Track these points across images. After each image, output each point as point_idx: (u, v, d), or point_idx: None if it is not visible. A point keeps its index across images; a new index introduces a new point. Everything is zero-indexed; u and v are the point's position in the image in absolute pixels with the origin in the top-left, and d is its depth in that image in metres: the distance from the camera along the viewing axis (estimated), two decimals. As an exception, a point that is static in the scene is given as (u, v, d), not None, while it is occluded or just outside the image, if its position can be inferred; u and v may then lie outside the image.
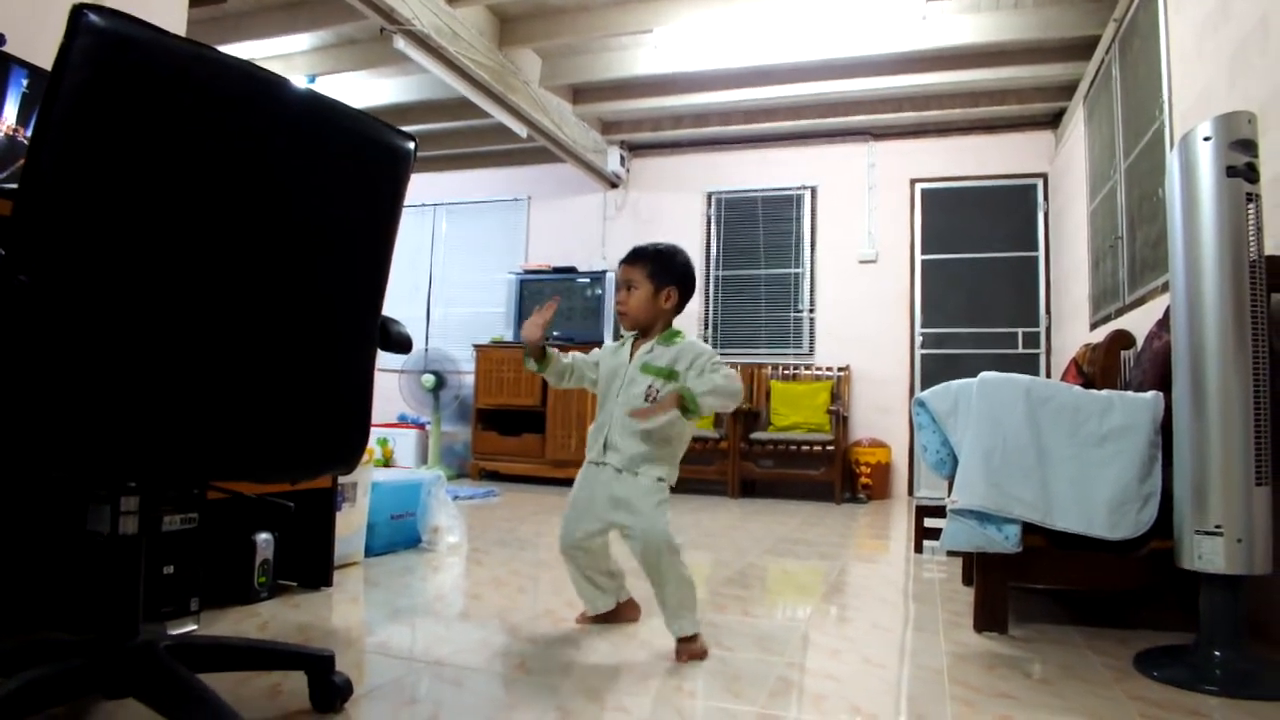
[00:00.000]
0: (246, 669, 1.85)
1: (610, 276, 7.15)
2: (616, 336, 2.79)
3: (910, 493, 6.89)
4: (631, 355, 2.37)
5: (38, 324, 1.13)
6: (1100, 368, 3.52)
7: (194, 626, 2.23)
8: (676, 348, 2.31)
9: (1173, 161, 2.27)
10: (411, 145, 1.61)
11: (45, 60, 1.25)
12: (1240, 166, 2.10)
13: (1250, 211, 2.10)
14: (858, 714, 1.80)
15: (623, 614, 2.51)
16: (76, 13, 1.12)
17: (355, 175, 1.51)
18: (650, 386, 2.28)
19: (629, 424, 2.27)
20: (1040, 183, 6.91)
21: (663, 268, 2.36)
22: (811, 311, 7.38)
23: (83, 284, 1.16)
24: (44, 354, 1.14)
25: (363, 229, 1.56)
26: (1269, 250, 2.26)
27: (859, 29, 5.76)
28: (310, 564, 2.81)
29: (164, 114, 1.20)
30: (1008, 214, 6.98)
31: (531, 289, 7.46)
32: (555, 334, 7.13)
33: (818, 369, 7.16)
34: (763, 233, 7.59)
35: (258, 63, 1.32)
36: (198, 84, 1.24)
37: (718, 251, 7.70)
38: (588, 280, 7.30)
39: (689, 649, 2.17)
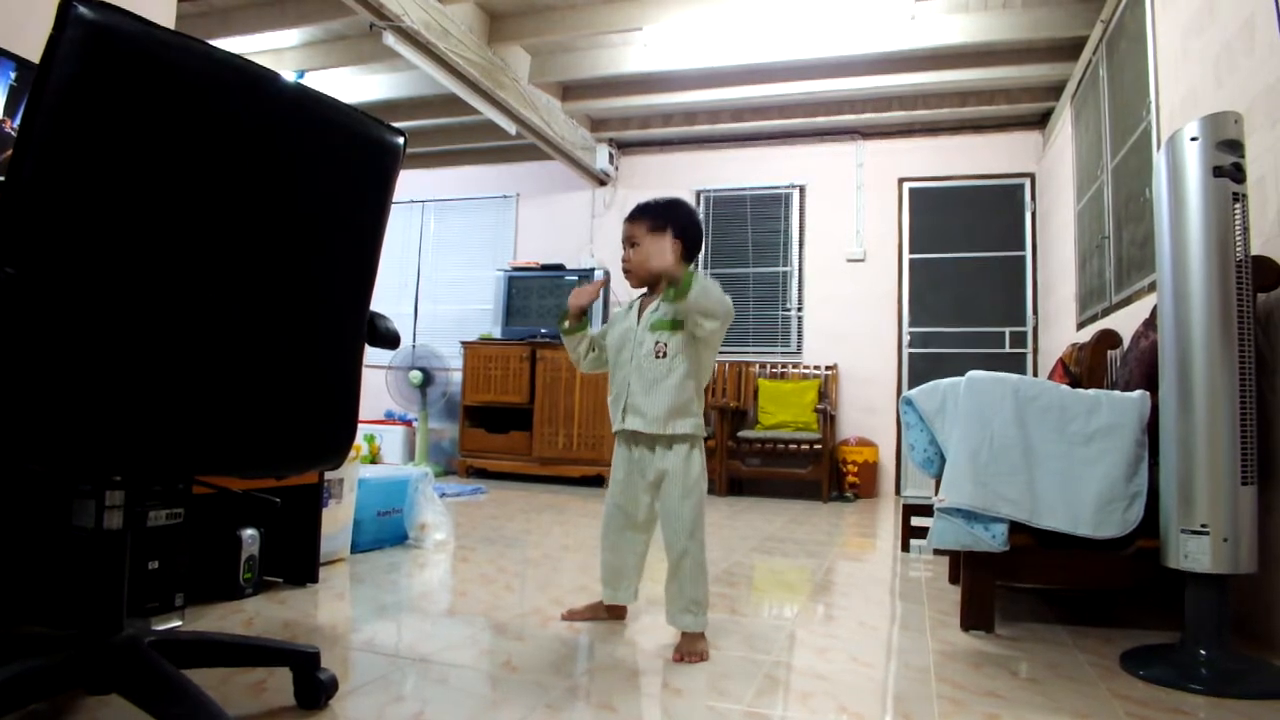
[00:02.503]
0: (231, 665, 1.84)
1: (599, 275, 7.14)
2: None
3: (897, 491, 6.91)
4: (640, 316, 2.40)
5: (23, 316, 1.12)
6: (1087, 367, 3.53)
7: (178, 622, 2.22)
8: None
9: (1160, 162, 2.28)
10: (401, 140, 1.60)
11: (33, 52, 1.24)
12: (1227, 166, 2.11)
13: (1236, 211, 2.11)
14: (844, 712, 1.80)
15: (614, 612, 2.53)
16: (65, 5, 1.11)
17: (345, 170, 1.51)
18: (658, 343, 2.31)
19: (645, 382, 2.31)
20: (1028, 182, 6.94)
21: (666, 222, 2.36)
22: (799, 310, 7.38)
23: (69, 277, 1.15)
24: (30, 347, 1.13)
25: (351, 224, 1.55)
26: (1255, 250, 2.27)
27: (848, 28, 5.76)
28: (296, 560, 2.80)
29: (152, 107, 1.19)
30: (995, 214, 7.00)
31: (519, 286, 7.45)
32: (543, 331, 7.13)
33: (805, 368, 7.17)
34: (751, 231, 7.59)
35: (247, 58, 1.32)
36: (187, 77, 1.23)
37: (706, 250, 7.69)
38: (576, 278, 7.29)
39: (691, 649, 2.15)
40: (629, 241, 2.39)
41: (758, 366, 7.25)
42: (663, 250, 2.29)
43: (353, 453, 3.08)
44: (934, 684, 2.00)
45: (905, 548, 4.07)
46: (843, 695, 1.90)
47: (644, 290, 2.45)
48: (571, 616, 2.50)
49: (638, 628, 2.43)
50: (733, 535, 4.42)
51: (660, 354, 2.29)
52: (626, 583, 2.47)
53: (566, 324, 2.48)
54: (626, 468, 2.40)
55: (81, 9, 1.11)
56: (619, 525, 2.44)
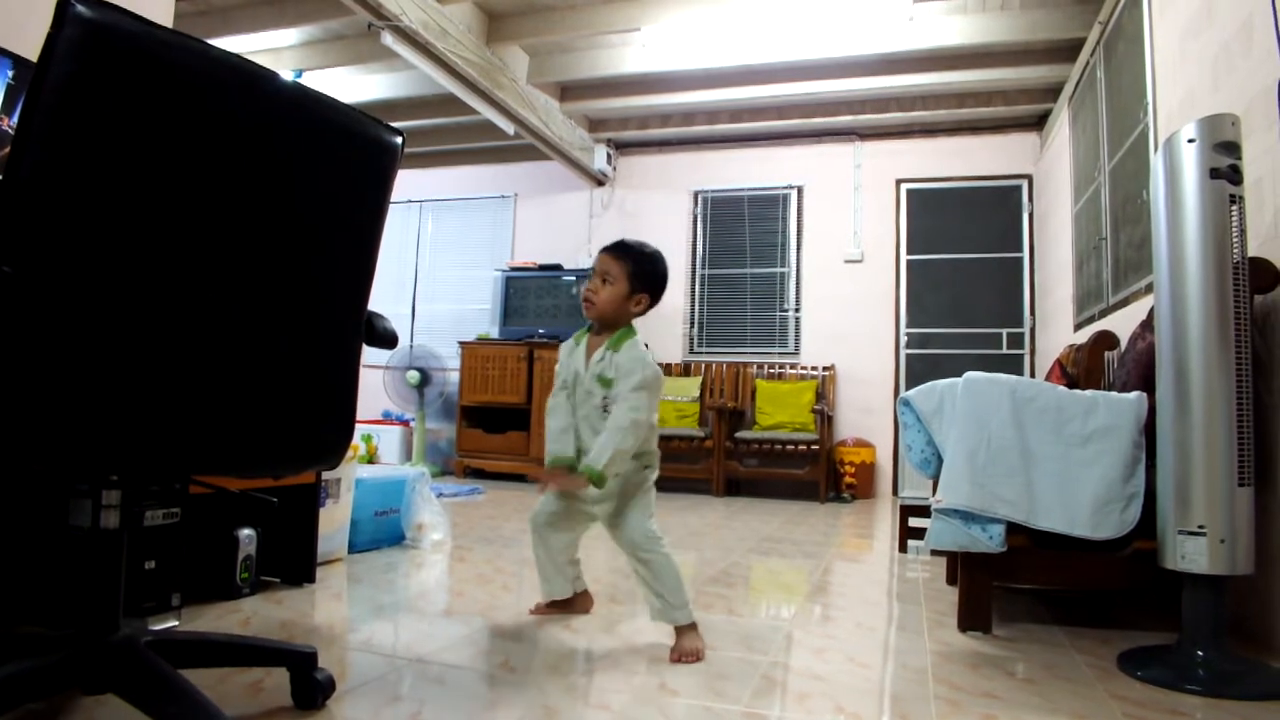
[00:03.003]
0: (228, 665, 1.83)
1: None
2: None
3: (895, 492, 6.91)
4: (588, 355, 2.36)
5: (21, 315, 1.12)
6: (1084, 368, 3.54)
7: (175, 622, 2.21)
8: (620, 355, 2.29)
9: (1157, 164, 2.29)
10: (399, 140, 1.60)
11: (31, 50, 1.24)
12: (1224, 169, 2.11)
13: (1233, 213, 2.11)
14: (841, 713, 1.80)
15: (577, 604, 2.56)
16: (64, 3, 1.10)
17: (343, 169, 1.51)
18: (605, 397, 2.29)
19: (595, 433, 2.28)
20: (1025, 184, 6.95)
21: (644, 272, 2.34)
22: (797, 311, 7.39)
23: (67, 276, 1.15)
24: (27, 345, 1.12)
25: (350, 223, 1.55)
26: (1252, 252, 2.28)
27: (846, 29, 5.77)
28: (293, 560, 2.79)
29: (151, 106, 1.19)
30: (993, 215, 7.01)
31: (517, 286, 7.45)
32: (541, 332, 7.13)
33: (803, 368, 7.17)
34: (749, 232, 7.59)
35: (245, 57, 1.31)
36: (185, 76, 1.23)
37: (704, 250, 7.70)
38: (573, 278, 7.29)
39: (687, 648, 2.15)
40: (602, 276, 2.34)
41: (755, 367, 7.25)
42: (574, 481, 2.26)
43: (350, 453, 3.07)
44: (931, 685, 2.00)
45: (903, 548, 4.07)
46: (840, 696, 1.90)
47: (591, 325, 2.41)
48: (540, 609, 2.54)
49: (633, 628, 2.43)
50: (730, 536, 4.42)
51: (606, 409, 2.27)
52: (564, 576, 2.50)
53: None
54: None
55: (80, 7, 1.11)
56: (560, 528, 2.44)
